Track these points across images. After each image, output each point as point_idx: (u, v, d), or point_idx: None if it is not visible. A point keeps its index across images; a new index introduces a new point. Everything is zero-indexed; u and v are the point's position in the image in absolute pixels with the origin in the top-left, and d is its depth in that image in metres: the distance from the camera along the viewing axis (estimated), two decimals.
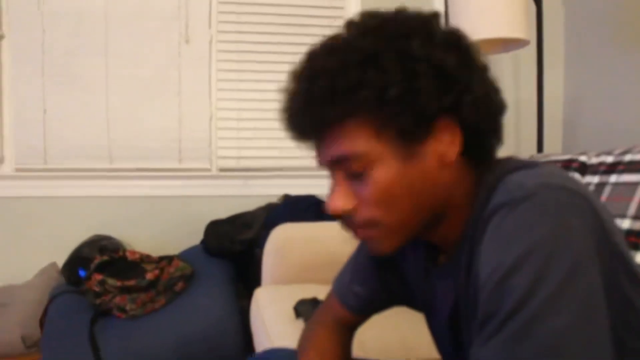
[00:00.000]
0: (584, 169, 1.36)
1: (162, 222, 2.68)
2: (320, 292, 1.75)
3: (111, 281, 2.17)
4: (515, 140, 2.87)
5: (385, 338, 1.41)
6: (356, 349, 1.06)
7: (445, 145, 0.72)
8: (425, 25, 0.72)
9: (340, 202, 0.74)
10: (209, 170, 2.74)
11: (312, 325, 1.08)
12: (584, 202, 0.63)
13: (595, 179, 1.30)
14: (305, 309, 1.55)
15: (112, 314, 2.15)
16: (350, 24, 0.74)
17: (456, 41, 0.73)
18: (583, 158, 1.39)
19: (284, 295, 1.76)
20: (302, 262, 1.95)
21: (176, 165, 2.70)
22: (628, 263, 0.66)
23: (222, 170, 2.75)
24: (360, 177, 0.72)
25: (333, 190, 0.76)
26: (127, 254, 2.36)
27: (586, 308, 0.58)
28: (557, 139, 2.90)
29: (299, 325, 1.51)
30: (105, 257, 2.29)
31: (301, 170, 2.77)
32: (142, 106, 2.64)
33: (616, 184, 1.22)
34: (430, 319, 0.93)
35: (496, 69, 0.78)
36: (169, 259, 2.35)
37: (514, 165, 0.72)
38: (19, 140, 2.55)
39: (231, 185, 2.75)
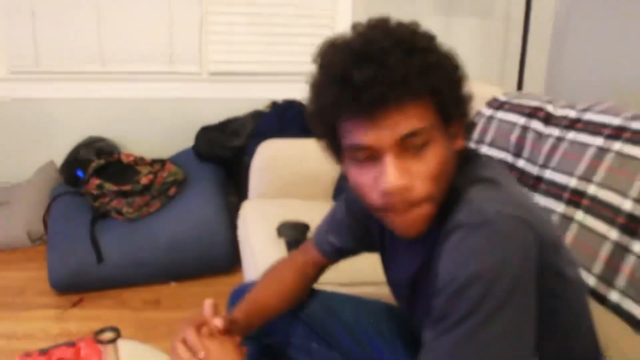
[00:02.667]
0: (549, 119, 1.46)
1: (154, 124, 2.78)
2: (304, 208, 1.92)
3: (108, 185, 2.32)
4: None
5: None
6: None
7: (459, 140, 0.86)
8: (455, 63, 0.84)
9: (402, 179, 0.78)
10: (199, 74, 2.80)
11: (282, 260, 1.24)
12: (530, 233, 0.76)
13: (555, 132, 1.40)
14: (287, 231, 1.72)
15: (110, 216, 2.33)
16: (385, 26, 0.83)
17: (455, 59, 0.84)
18: (549, 108, 1.49)
19: (269, 212, 1.92)
20: (287, 179, 2.09)
21: (167, 68, 2.75)
22: (560, 274, 0.82)
23: (212, 74, 2.80)
24: (418, 153, 0.79)
25: (389, 164, 0.78)
26: (122, 156, 2.49)
27: (519, 322, 0.74)
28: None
29: (279, 246, 1.68)
30: (101, 161, 2.42)
31: (289, 75, 2.83)
32: (132, 9, 2.64)
33: (572, 142, 1.34)
34: (388, 273, 1.09)
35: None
36: (161, 162, 2.49)
37: (480, 175, 0.84)
38: (10, 43, 2.57)
39: (221, 89, 2.82)
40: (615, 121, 1.29)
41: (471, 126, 0.91)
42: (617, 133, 1.26)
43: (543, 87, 3.03)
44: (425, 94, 0.78)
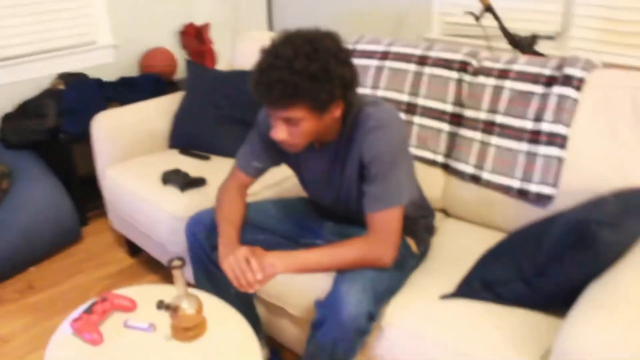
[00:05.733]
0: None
1: None
2: (159, 161, 2.31)
3: None
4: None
5: None
6: None
7: (337, 111, 1.42)
8: (337, 48, 1.35)
9: (283, 135, 1.40)
10: None
11: (224, 190, 1.71)
12: (404, 125, 1.49)
13: (398, 65, 2.11)
14: (171, 177, 2.11)
15: None
16: (295, 43, 1.32)
17: (347, 56, 1.38)
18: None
19: (135, 169, 2.27)
20: (130, 141, 2.41)
21: None
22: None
23: None
24: (295, 125, 1.37)
25: (278, 127, 1.39)
26: None
27: (410, 166, 1.48)
28: None
29: (171, 190, 2.09)
30: None
31: (62, 50, 2.98)
32: None
33: (391, 68, 2.08)
34: (303, 174, 1.67)
35: None
36: None
37: (367, 100, 1.47)
38: None
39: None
40: (417, 51, 2.05)
41: (351, 96, 1.45)
42: (422, 61, 2.05)
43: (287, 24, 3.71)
44: (302, 102, 1.34)
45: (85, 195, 2.81)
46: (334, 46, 1.36)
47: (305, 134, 1.39)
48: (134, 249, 2.59)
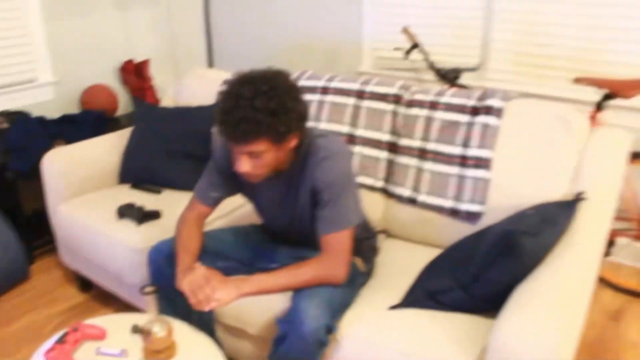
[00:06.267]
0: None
1: None
2: (112, 196, 2.39)
3: None
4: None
5: None
6: None
7: (293, 141, 1.58)
8: (290, 85, 1.52)
9: (247, 167, 1.54)
10: None
11: (183, 221, 1.82)
12: (351, 155, 1.64)
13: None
14: (127, 211, 2.19)
15: None
16: (256, 84, 1.47)
17: (300, 92, 1.54)
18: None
19: (89, 205, 2.33)
20: (82, 177, 2.47)
21: None
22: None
23: None
24: (257, 157, 1.53)
25: (242, 160, 1.53)
26: None
27: (356, 193, 1.64)
28: None
29: (127, 223, 2.17)
30: None
31: (8, 87, 3.00)
32: None
33: (332, 103, 2.25)
34: (257, 202, 1.81)
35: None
36: None
37: (317, 133, 1.63)
38: None
39: None
40: (355, 86, 2.25)
41: (304, 128, 1.62)
42: (360, 95, 2.22)
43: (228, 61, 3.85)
44: (265, 136, 1.50)
45: (32, 232, 2.81)
46: (288, 83, 1.52)
47: (267, 165, 1.55)
48: (85, 285, 2.63)
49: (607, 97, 2.46)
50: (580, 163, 1.87)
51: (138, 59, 3.69)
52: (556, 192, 1.83)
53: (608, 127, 2.06)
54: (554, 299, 1.35)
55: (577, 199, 1.75)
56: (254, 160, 1.53)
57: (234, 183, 1.79)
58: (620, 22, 2.64)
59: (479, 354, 1.47)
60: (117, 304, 2.54)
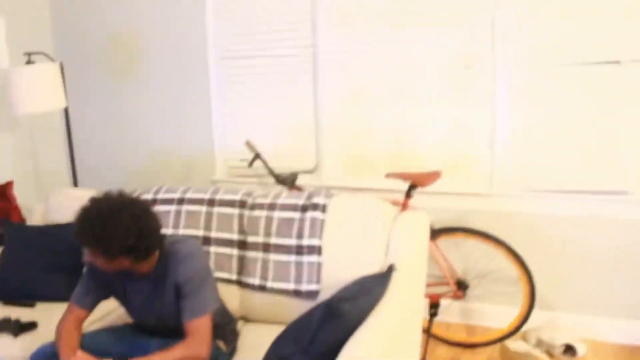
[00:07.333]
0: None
1: None
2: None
3: None
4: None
5: None
6: None
7: (126, 262, 1.91)
8: (141, 213, 1.90)
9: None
10: None
11: (62, 324, 2.06)
12: (205, 252, 2.05)
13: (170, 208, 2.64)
14: (3, 325, 2.35)
15: None
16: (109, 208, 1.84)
17: (135, 227, 1.87)
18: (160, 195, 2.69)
19: None
20: None
21: None
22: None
23: None
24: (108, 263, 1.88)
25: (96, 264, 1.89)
26: None
27: (214, 283, 2.03)
28: None
29: (4, 338, 2.33)
30: None
31: None
32: None
33: (188, 212, 2.62)
34: (126, 304, 2.12)
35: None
36: None
37: (175, 238, 2.02)
38: None
39: None
40: (206, 196, 2.64)
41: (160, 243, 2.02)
42: (211, 203, 2.62)
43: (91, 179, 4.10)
44: (117, 255, 1.87)
45: None
46: (141, 209, 1.91)
47: (117, 268, 1.93)
48: None
49: (412, 187, 3.10)
50: (389, 242, 2.40)
51: (1, 181, 3.85)
52: (373, 267, 2.32)
53: (411, 210, 2.64)
54: (374, 351, 1.79)
55: (389, 270, 2.26)
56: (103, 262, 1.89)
57: (105, 286, 2.10)
58: (421, 122, 3.36)
59: None
60: None
